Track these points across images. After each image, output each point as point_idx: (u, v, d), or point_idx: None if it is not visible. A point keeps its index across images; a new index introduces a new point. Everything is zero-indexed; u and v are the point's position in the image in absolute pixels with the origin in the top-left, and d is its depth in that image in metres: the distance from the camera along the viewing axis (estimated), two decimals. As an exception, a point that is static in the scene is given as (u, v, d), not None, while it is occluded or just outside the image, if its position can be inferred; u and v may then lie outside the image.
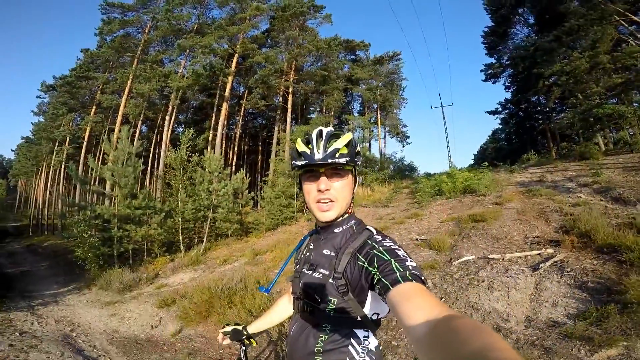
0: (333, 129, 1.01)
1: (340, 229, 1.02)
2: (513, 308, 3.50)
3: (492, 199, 8.67)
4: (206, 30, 22.87)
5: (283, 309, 1.31)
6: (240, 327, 1.38)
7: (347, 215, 1.03)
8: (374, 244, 0.91)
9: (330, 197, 0.96)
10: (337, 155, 0.94)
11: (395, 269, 0.76)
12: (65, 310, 6.75)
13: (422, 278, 0.75)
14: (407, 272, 0.75)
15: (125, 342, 4.96)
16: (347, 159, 0.94)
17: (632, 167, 8.79)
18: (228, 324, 1.42)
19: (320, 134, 0.99)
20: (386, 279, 0.75)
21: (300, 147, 0.99)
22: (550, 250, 4.58)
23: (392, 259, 0.81)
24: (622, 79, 14.31)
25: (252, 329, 1.37)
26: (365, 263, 0.87)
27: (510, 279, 4.07)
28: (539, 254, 4.58)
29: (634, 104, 14.95)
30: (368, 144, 26.51)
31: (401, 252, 0.84)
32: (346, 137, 0.98)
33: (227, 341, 1.38)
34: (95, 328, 5.63)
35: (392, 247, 0.87)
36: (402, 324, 0.62)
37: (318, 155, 0.94)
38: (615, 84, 14.53)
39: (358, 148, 1.02)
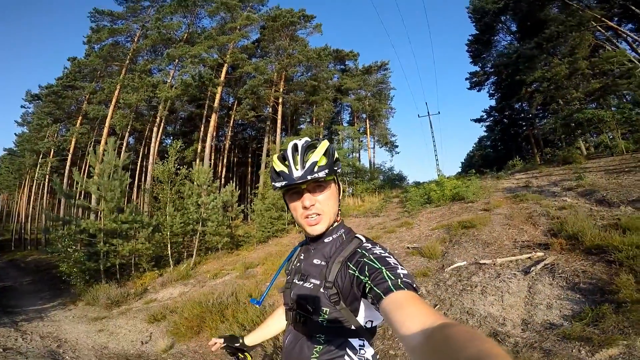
0: (309, 139, 1.00)
1: (330, 238, 1.01)
2: (508, 312, 3.51)
3: (481, 206, 8.79)
4: (196, 39, 22.87)
5: (278, 321, 1.28)
6: (236, 335, 1.33)
7: (336, 224, 1.03)
8: (364, 252, 0.90)
9: (317, 211, 0.95)
10: (315, 169, 0.92)
11: (386, 278, 0.75)
12: (51, 326, 6.51)
13: (414, 285, 0.74)
14: (399, 280, 0.74)
15: (115, 358, 4.79)
16: (326, 170, 0.93)
17: (613, 170, 9.08)
18: (222, 336, 1.36)
19: (295, 148, 0.97)
20: (378, 288, 0.74)
21: (278, 166, 0.97)
22: (540, 254, 4.64)
23: (382, 267, 0.79)
24: (601, 84, 14.87)
25: (249, 340, 1.32)
26: (356, 272, 0.86)
27: (503, 283, 4.09)
28: (529, 258, 4.64)
29: (613, 108, 15.50)
30: (358, 154, 26.75)
31: (392, 260, 0.83)
32: (322, 147, 0.97)
33: (219, 344, 1.30)
34: (82, 344, 5.43)
35: (382, 254, 0.86)
36: (396, 333, 0.61)
37: (297, 172, 0.92)
38: (594, 88, 15.11)
39: (336, 155, 1.00)
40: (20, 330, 5.87)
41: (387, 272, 0.77)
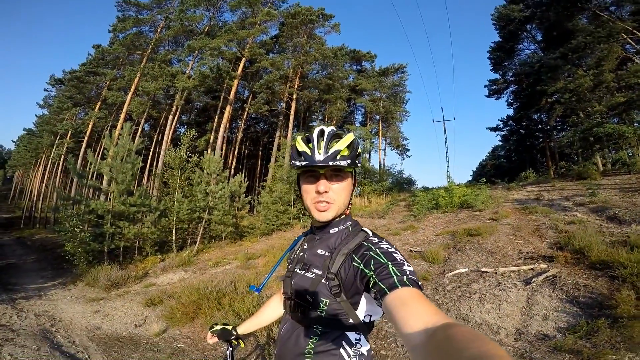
0: (335, 129, 0.99)
1: (336, 229, 1.00)
2: (504, 320, 3.45)
3: (489, 215, 8.65)
4: (216, 32, 23.17)
5: (272, 310, 1.29)
6: (229, 327, 1.35)
7: (343, 216, 1.02)
8: (370, 245, 0.89)
9: (328, 199, 0.95)
10: (338, 157, 0.91)
11: (392, 273, 0.75)
12: (48, 304, 6.62)
13: (419, 283, 0.73)
14: (405, 277, 0.73)
15: (106, 339, 4.85)
16: (349, 161, 0.92)
17: (628, 188, 8.80)
18: (216, 324, 1.39)
19: (321, 133, 0.96)
20: (383, 283, 0.73)
21: (301, 146, 0.97)
22: (543, 265, 4.54)
23: (389, 262, 0.79)
24: (625, 98, 14.34)
25: (242, 329, 1.34)
26: (361, 265, 0.85)
27: (503, 292, 4.03)
28: (532, 269, 4.54)
29: (635, 124, 14.99)
30: (368, 155, 26.61)
31: (398, 256, 0.82)
32: (348, 138, 0.96)
33: (215, 340, 1.36)
34: (76, 324, 5.52)
35: (389, 249, 0.86)
36: (398, 330, 0.61)
37: (319, 156, 0.92)
38: (618, 102, 14.56)
39: (359, 150, 1.00)
40: (16, 307, 5.96)
41: (393, 268, 0.76)
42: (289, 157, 1.03)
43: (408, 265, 0.78)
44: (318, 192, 0.94)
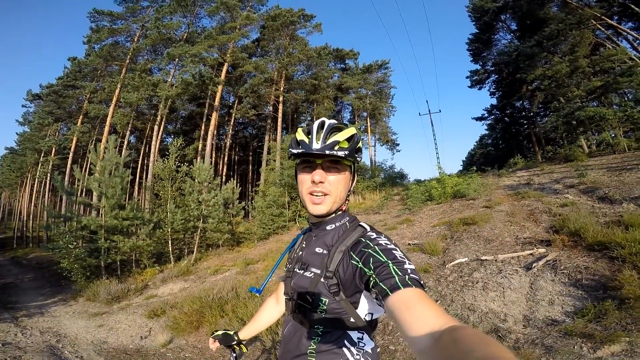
0: (336, 122, 0.97)
1: (333, 225, 0.98)
2: (510, 308, 3.49)
3: (482, 203, 8.74)
4: (196, 39, 22.90)
5: (270, 312, 1.27)
6: (230, 332, 1.34)
7: (340, 212, 1.00)
8: (368, 242, 0.86)
9: (324, 191, 0.93)
10: (336, 147, 0.89)
11: (393, 273, 0.72)
12: (51, 321, 6.54)
13: (422, 282, 0.71)
14: (406, 277, 0.70)
15: (113, 352, 4.80)
16: (346, 152, 0.90)
17: (615, 168, 9.02)
18: (217, 330, 1.38)
19: (322, 124, 0.94)
20: (384, 284, 0.71)
21: (300, 135, 0.95)
22: (542, 250, 4.61)
23: (389, 261, 0.76)
24: (602, 82, 14.79)
25: (242, 335, 1.32)
26: (360, 263, 0.82)
27: (505, 279, 4.07)
28: (531, 254, 4.61)
29: (614, 106, 15.43)
30: (359, 152, 26.64)
31: (398, 253, 0.80)
32: (349, 131, 0.94)
33: (217, 345, 1.34)
34: (82, 339, 5.45)
35: (388, 246, 0.83)
36: (403, 333, 0.59)
37: (316, 145, 0.90)
38: (595, 86, 15.02)
39: (360, 144, 0.98)
40: (20, 325, 5.90)
41: (394, 267, 0.74)
42: (288, 147, 1.02)
43: (409, 264, 0.76)
44: (313, 182, 0.92)
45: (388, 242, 0.85)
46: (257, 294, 1.26)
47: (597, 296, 3.24)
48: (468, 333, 0.47)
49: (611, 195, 6.48)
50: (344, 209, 1.01)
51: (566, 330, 2.78)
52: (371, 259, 0.79)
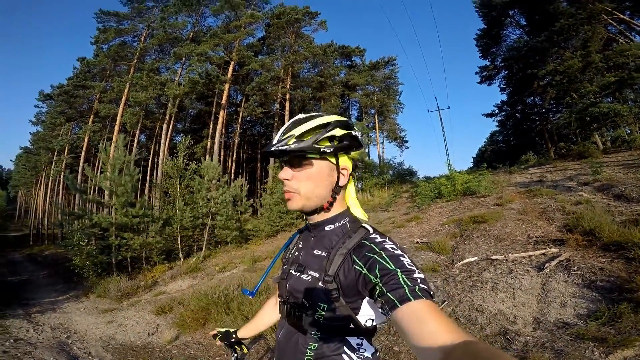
0: (316, 114, 0.90)
1: (332, 226, 0.91)
2: (520, 309, 3.40)
3: (493, 200, 8.59)
4: (202, 38, 23.05)
5: (271, 312, 1.22)
6: (231, 331, 1.32)
7: (332, 211, 0.92)
8: (372, 245, 0.80)
9: (290, 188, 0.88)
10: (291, 141, 0.83)
11: (402, 283, 0.67)
12: (62, 317, 6.67)
13: (431, 293, 0.67)
14: (416, 287, 0.66)
15: (121, 349, 4.87)
16: (301, 145, 0.82)
17: (632, 165, 8.76)
18: (219, 328, 1.37)
19: (294, 119, 0.90)
20: (392, 294, 0.66)
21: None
22: (554, 250, 4.49)
23: (397, 269, 0.71)
24: (616, 77, 14.37)
25: (242, 333, 1.29)
26: (364, 269, 0.77)
27: (515, 280, 3.97)
28: (544, 254, 4.49)
29: (629, 102, 14.99)
30: (367, 149, 26.57)
31: (406, 260, 0.74)
32: (317, 120, 0.86)
33: (220, 343, 1.33)
34: (91, 335, 5.54)
35: (396, 252, 0.77)
36: (413, 348, 0.57)
37: (273, 141, 0.86)
38: (609, 82, 14.60)
39: (340, 132, 0.87)
40: (32, 321, 6.03)
41: (403, 276, 0.69)
42: None
43: (418, 272, 0.71)
44: (281, 180, 0.90)
45: (395, 247, 0.79)
46: (250, 297, 1.21)
47: (612, 298, 3.13)
48: (481, 348, 0.46)
49: (628, 193, 6.28)
50: (326, 206, 0.90)
51: (578, 333, 2.69)
52: (377, 265, 0.74)
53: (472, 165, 36.78)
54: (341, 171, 0.90)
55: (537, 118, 23.51)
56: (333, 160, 0.89)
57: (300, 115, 0.90)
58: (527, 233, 5.56)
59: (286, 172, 0.88)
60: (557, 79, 16.21)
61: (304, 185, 0.87)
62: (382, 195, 16.22)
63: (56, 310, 7.31)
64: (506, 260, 4.60)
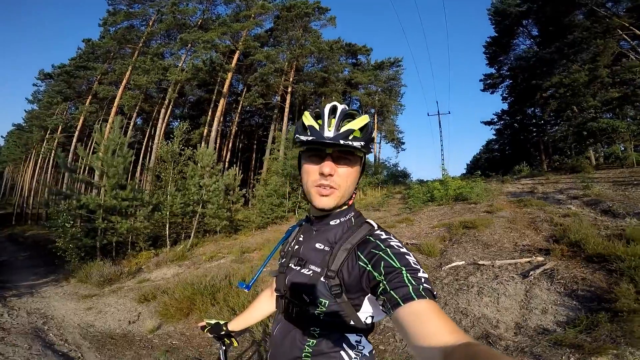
0: (348, 108, 0.87)
1: (337, 221, 0.90)
2: (502, 314, 3.43)
3: (484, 207, 8.67)
4: (210, 25, 22.85)
5: (264, 306, 1.20)
6: (221, 323, 1.29)
7: (346, 207, 0.91)
8: (378, 242, 0.79)
9: (332, 184, 0.83)
10: (350, 137, 0.80)
11: (406, 281, 0.66)
12: (40, 302, 6.51)
13: (434, 293, 0.66)
14: (420, 287, 0.65)
15: (99, 337, 4.78)
16: (362, 143, 0.81)
17: (622, 182, 8.88)
18: (208, 319, 1.34)
19: (333, 110, 0.85)
20: (396, 292, 0.65)
21: (308, 120, 0.85)
22: (540, 258, 4.54)
23: (402, 267, 0.70)
24: (619, 93, 14.50)
25: (233, 326, 1.25)
26: (369, 265, 0.76)
27: (500, 285, 4.01)
28: (529, 262, 4.54)
29: (628, 119, 15.16)
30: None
31: (411, 259, 0.74)
32: (363, 119, 0.85)
33: (209, 334, 1.29)
34: (69, 322, 5.42)
35: (401, 249, 0.77)
36: (412, 346, 0.57)
37: (328, 133, 0.80)
38: (612, 97, 14.73)
39: (373, 135, 0.91)
40: (7, 305, 5.82)
41: (408, 275, 0.68)
42: (293, 133, 0.93)
43: (423, 272, 0.70)
44: (322, 174, 0.83)
45: (400, 245, 0.79)
46: (246, 290, 1.18)
47: (591, 307, 3.19)
48: (481, 350, 0.46)
49: (615, 208, 6.38)
50: (350, 203, 0.92)
51: (556, 339, 2.75)
52: (382, 262, 0.73)
53: (465, 171, 37.04)
54: (363, 170, 0.95)
55: (534, 129, 23.70)
56: (364, 159, 0.92)
57: (343, 107, 0.87)
58: (515, 241, 5.62)
59: (331, 167, 0.83)
60: (561, 91, 16.31)
61: (345, 182, 0.86)
62: (375, 194, 16.26)
63: (34, 295, 7.08)
64: (493, 266, 4.64)
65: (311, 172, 0.86)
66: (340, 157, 0.84)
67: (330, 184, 0.83)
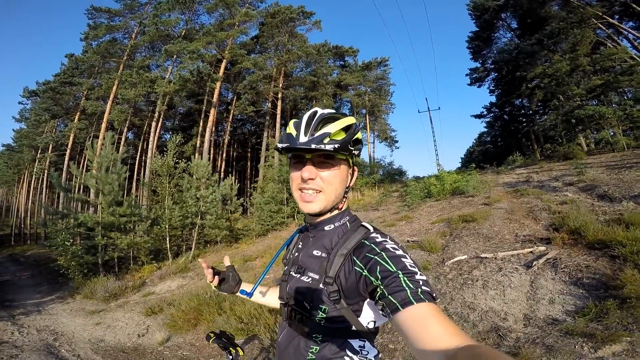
0: (333, 111, 0.88)
1: (332, 226, 0.90)
2: (510, 306, 3.46)
3: (481, 200, 8.74)
4: (194, 35, 22.75)
5: (274, 297, 1.17)
6: (226, 332, 1.31)
7: (337, 211, 0.92)
8: (373, 245, 0.78)
9: (315, 188, 0.85)
10: (325, 140, 0.80)
11: (404, 286, 0.65)
12: (48, 319, 6.50)
13: (434, 295, 0.66)
14: (419, 290, 0.64)
15: (111, 351, 4.78)
16: (337, 145, 0.80)
17: (614, 166, 9.02)
18: (214, 332, 1.34)
19: (312, 115, 0.85)
20: (394, 297, 0.64)
21: (289, 129, 0.87)
22: (542, 248, 4.58)
23: (399, 271, 0.69)
24: (602, 81, 14.80)
25: (248, 287, 1.15)
26: (365, 270, 0.75)
27: (505, 278, 4.04)
28: (531, 252, 4.58)
29: (614, 105, 15.45)
30: (358, 149, 26.66)
31: (408, 261, 0.72)
32: (344, 121, 0.84)
33: (215, 281, 1.18)
34: (79, 337, 5.42)
35: (397, 252, 0.75)
36: (415, 352, 0.56)
37: (303, 139, 0.81)
38: (595, 85, 15.02)
39: (358, 135, 0.89)
40: (17, 323, 5.85)
41: (405, 278, 0.67)
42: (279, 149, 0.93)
43: (420, 274, 0.69)
44: (303, 179, 0.84)
45: (395, 247, 0.77)
46: (248, 297, 1.16)
47: (598, 295, 3.21)
48: (484, 352, 0.45)
49: (611, 193, 6.47)
50: (341, 207, 0.92)
51: (567, 329, 2.75)
52: (378, 267, 0.72)
53: (460, 165, 37.30)
54: (354, 172, 0.94)
55: (524, 120, 24.05)
56: (351, 161, 0.91)
57: (324, 111, 0.88)
58: (515, 232, 5.67)
59: (310, 171, 0.84)
60: (545, 81, 16.63)
61: (329, 185, 0.86)
62: (372, 194, 16.30)
63: (41, 312, 7.12)
64: (495, 258, 4.67)
65: (294, 178, 0.88)
66: (322, 162, 0.85)
67: (313, 186, 0.85)
